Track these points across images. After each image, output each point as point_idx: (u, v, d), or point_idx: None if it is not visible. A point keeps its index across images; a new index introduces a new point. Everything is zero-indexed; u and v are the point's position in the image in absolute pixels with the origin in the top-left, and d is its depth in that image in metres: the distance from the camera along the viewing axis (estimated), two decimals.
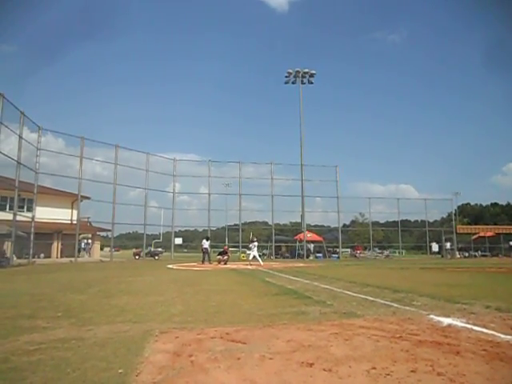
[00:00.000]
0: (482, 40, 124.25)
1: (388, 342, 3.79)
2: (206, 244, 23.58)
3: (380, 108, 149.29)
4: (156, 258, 33.91)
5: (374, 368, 3.01)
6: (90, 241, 38.94)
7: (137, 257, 34.64)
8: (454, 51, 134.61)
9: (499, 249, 44.44)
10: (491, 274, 15.01)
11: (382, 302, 6.58)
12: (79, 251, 32.92)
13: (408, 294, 7.44)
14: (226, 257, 22.94)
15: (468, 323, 4.74)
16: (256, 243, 22.35)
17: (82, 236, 35.77)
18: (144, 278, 12.56)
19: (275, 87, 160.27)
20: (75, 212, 31.33)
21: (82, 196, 30.06)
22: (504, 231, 46.71)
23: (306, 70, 38.19)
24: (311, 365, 3.10)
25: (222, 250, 24.55)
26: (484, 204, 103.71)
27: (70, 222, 32.29)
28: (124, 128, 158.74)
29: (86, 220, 35.30)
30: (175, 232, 36.88)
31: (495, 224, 65.48)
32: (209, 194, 37.15)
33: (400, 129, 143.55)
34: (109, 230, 33.39)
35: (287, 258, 38.16)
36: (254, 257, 21.86)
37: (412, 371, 2.95)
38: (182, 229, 44.77)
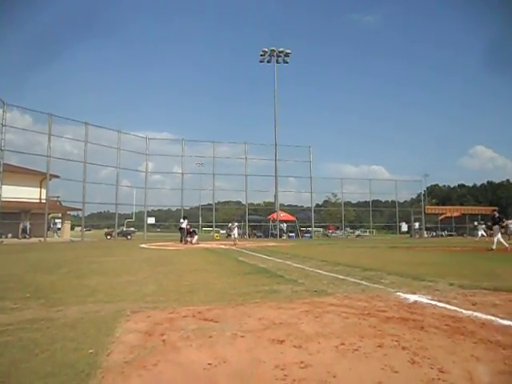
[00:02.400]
0: (456, 18, 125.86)
1: (356, 319, 3.90)
2: (183, 223, 23.44)
3: (353, 91, 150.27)
4: (128, 237, 33.54)
5: (343, 344, 3.10)
6: (59, 220, 38.11)
7: (109, 237, 34.16)
8: (427, 33, 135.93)
9: (465, 228, 46.07)
10: (456, 252, 15.59)
11: (352, 280, 6.75)
12: (48, 230, 32.17)
13: (377, 273, 7.65)
14: (195, 236, 22.84)
15: (433, 300, 4.93)
16: (236, 223, 24.53)
17: (51, 216, 34.90)
18: (116, 257, 12.44)
19: (250, 66, 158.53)
20: (44, 191, 30.49)
21: (50, 175, 29.20)
22: (469, 212, 48.41)
23: (281, 50, 37.85)
24: (282, 342, 3.17)
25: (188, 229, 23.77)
26: (452, 185, 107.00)
27: (38, 201, 31.44)
28: (95, 105, 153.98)
29: (56, 199, 34.43)
30: (148, 211, 36.57)
31: (461, 205, 67.77)
32: (182, 174, 36.83)
33: (372, 111, 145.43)
34: (79, 210, 32.77)
35: (260, 237, 38.49)
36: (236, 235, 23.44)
37: (379, 346, 3.05)
38: (155, 208, 44.41)
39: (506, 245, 15.42)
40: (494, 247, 15.21)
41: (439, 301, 4.86)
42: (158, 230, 59.90)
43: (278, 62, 38.06)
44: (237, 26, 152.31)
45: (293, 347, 3.04)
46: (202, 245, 21.35)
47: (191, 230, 23.67)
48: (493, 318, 4.00)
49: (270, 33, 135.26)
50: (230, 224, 23.81)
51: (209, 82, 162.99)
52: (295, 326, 3.63)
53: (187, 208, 38.13)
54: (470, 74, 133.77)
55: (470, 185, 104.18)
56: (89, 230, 47.28)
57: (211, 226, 39.44)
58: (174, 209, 47.44)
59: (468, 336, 3.34)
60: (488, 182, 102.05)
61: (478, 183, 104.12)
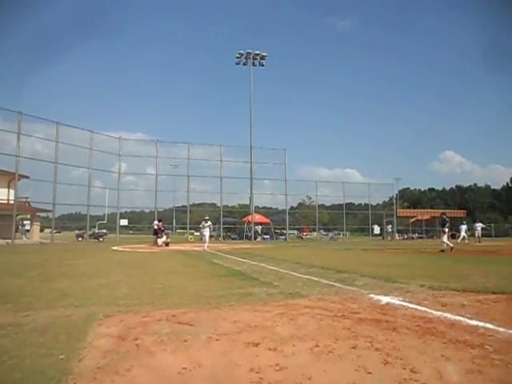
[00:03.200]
0: (428, 28, 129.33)
1: (331, 321, 3.94)
2: (157, 225, 23.17)
3: (328, 95, 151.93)
4: (100, 239, 32.91)
5: (317, 346, 3.13)
6: (28, 222, 37.00)
7: (80, 238, 33.42)
8: (399, 41, 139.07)
9: (434, 231, 47.27)
10: (426, 254, 15.98)
11: (326, 282, 6.82)
12: (17, 232, 31.18)
13: (351, 275, 7.76)
14: (164, 237, 22.55)
15: (404, 301, 5.04)
16: (210, 222, 21.39)
17: (19, 217, 33.86)
18: (87, 260, 12.17)
19: (226, 68, 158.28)
20: (12, 192, 29.54)
21: (19, 175, 28.31)
22: (439, 215, 49.66)
23: (258, 52, 38.00)
24: (257, 345, 3.17)
25: (156, 228, 22.99)
26: (422, 189, 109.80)
27: (6, 201, 30.44)
28: (67, 104, 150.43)
29: (25, 200, 33.43)
30: (121, 213, 36.00)
31: (431, 208, 69.65)
32: (156, 175, 36.42)
33: (345, 115, 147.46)
34: (49, 211, 31.89)
35: (235, 239, 38.44)
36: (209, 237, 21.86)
37: (353, 348, 3.09)
38: (128, 210, 43.78)
39: (451, 245, 16.58)
40: (445, 247, 16.44)
41: (410, 302, 4.97)
42: (131, 232, 58.98)
43: (254, 64, 38.19)
44: (213, 28, 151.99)
45: (268, 350, 3.05)
46: (176, 247, 21.15)
47: (162, 228, 23.28)
48: (461, 318, 4.12)
49: (246, 35, 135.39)
50: (202, 223, 21.14)
51: (184, 83, 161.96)
52: (270, 329, 3.64)
53: (161, 210, 37.78)
54: (440, 83, 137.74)
55: (440, 188, 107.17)
56: (59, 232, 46.14)
57: (185, 228, 39.14)
58: (147, 211, 46.76)
59: (438, 336, 3.42)
60: (456, 186, 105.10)
61: (447, 187, 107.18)
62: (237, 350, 3.04)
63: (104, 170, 35.35)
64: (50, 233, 31.99)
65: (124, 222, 37.67)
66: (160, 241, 22.14)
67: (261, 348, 3.10)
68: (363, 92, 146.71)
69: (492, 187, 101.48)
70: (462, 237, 29.22)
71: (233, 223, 42.98)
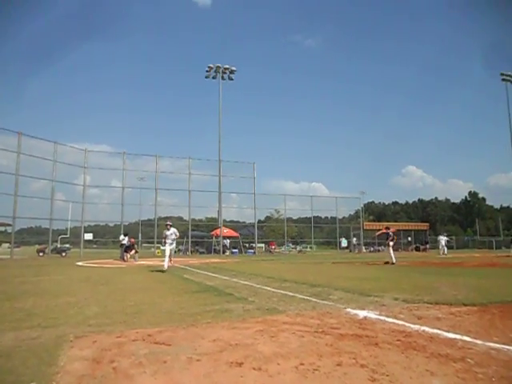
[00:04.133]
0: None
1: (312, 337, 3.89)
2: (124, 240, 22.59)
3: (294, 109, 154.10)
4: (63, 254, 31.71)
5: (302, 364, 3.07)
6: None
7: (41, 254, 32.07)
8: (365, 58, 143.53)
9: (399, 244, 48.37)
10: (394, 267, 16.26)
11: (302, 296, 6.78)
12: None
13: (324, 289, 7.76)
14: (132, 251, 22.03)
15: (381, 315, 5.06)
16: (174, 229, 14.12)
17: None
18: (51, 277, 11.65)
19: (196, 82, 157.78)
20: None
21: None
22: (403, 227, 51.07)
23: (227, 66, 38.22)
24: (240, 364, 3.07)
25: (128, 244, 22.67)
26: (386, 202, 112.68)
27: None
28: (29, 115, 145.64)
29: None
30: (84, 227, 34.86)
31: (395, 221, 71.44)
32: (123, 188, 35.64)
33: (312, 130, 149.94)
34: (9, 225, 30.49)
35: (203, 253, 37.98)
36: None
37: (338, 365, 3.05)
38: (92, 224, 42.53)
39: (394, 260, 16.98)
40: (394, 261, 16.87)
41: (387, 316, 4.99)
42: (95, 246, 57.27)
43: (223, 78, 38.34)
44: (182, 41, 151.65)
45: (252, 370, 2.96)
46: (144, 262, 20.63)
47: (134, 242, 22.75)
48: (439, 331, 4.16)
49: (215, 49, 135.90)
50: (164, 231, 14.31)
51: (151, 95, 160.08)
52: (252, 347, 3.55)
53: (126, 223, 36.88)
54: (400, 103, 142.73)
55: (403, 202, 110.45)
56: (18, 247, 44.16)
57: (151, 242, 38.37)
58: (111, 224, 45.69)
59: (420, 351, 3.43)
60: (419, 200, 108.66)
61: (410, 201, 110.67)
62: (220, 371, 2.93)
63: (68, 182, 34.27)
64: (9, 248, 30.53)
65: (89, 237, 36.50)
66: (129, 256, 21.60)
67: (245, 368, 3.00)
68: (328, 108, 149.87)
69: (452, 201, 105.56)
70: (442, 249, 29.95)
71: (201, 237, 42.49)
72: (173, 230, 13.77)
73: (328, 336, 3.94)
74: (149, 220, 39.68)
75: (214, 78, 38.61)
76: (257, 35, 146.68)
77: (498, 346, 3.61)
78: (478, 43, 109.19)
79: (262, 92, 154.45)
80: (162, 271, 12.98)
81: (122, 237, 22.98)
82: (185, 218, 39.54)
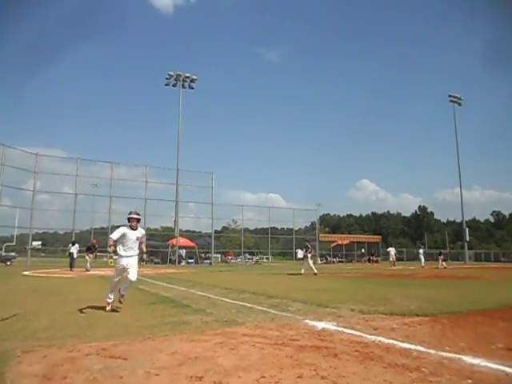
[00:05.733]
0: (336, 75, 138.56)
1: (272, 349, 3.88)
2: (72, 249, 21.72)
3: (253, 122, 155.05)
4: (8, 263, 29.95)
5: (264, 377, 3.04)
6: None
7: None
8: (322, 73, 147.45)
9: (353, 255, 49.62)
10: (349, 278, 16.63)
11: (260, 308, 6.77)
12: None
13: (282, 300, 7.79)
14: (92, 254, 21.36)
15: (339, 326, 5.13)
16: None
17: None
18: None
19: (155, 89, 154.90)
20: None
21: None
22: (357, 240, 52.46)
23: (188, 75, 38.04)
24: (201, 378, 3.01)
25: (89, 244, 22.25)
26: (341, 215, 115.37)
27: None
28: None
29: None
30: (32, 234, 33.21)
31: (349, 233, 73.27)
32: (75, 195, 34.33)
33: (269, 142, 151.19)
34: None
35: (158, 263, 37.18)
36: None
37: (299, 377, 3.05)
38: (40, 231, 40.66)
39: (315, 270, 17.69)
40: (316, 271, 17.59)
41: (345, 327, 5.07)
42: (43, 254, 54.66)
43: (183, 86, 38.10)
44: (143, 50, 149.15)
45: (213, 383, 2.90)
46: (96, 272, 19.89)
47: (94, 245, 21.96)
48: (394, 341, 4.28)
49: (177, 58, 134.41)
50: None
51: (106, 99, 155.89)
52: (212, 360, 3.49)
53: (77, 231, 35.52)
54: (357, 116, 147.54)
55: (357, 215, 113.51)
56: None
57: (104, 251, 37.13)
58: (61, 232, 43.82)
59: (378, 361, 3.50)
60: (372, 213, 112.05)
61: (364, 213, 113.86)
62: None
63: (15, 187, 32.57)
64: None
65: (37, 244, 34.79)
66: (89, 258, 20.94)
67: (205, 382, 2.94)
68: (286, 120, 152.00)
69: (403, 214, 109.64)
70: (422, 261, 30.83)
71: (156, 247, 41.58)
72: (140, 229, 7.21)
73: (288, 348, 3.94)
74: (102, 228, 38.50)
75: (174, 85, 38.32)
76: (219, 45, 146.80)
77: (449, 355, 3.75)
78: (478, 42, 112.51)
79: (223, 102, 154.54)
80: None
81: (70, 245, 22.12)
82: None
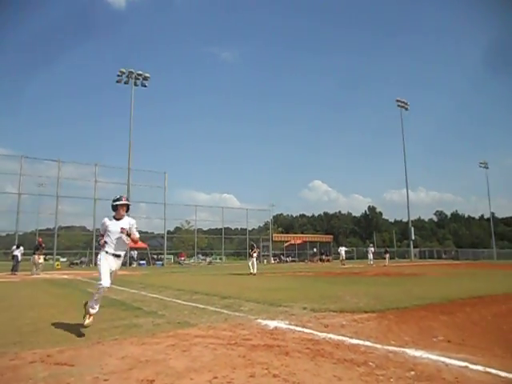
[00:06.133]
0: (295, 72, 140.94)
1: (225, 350, 3.88)
2: (16, 251, 20.63)
3: (207, 120, 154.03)
4: None
5: (216, 377, 3.04)
6: None
7: None
8: (278, 74, 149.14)
9: (305, 255, 50.51)
10: (302, 277, 16.92)
11: (213, 309, 6.75)
12: None
13: (236, 300, 7.80)
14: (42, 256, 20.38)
15: (291, 324, 5.22)
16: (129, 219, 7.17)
17: None
18: None
19: (106, 86, 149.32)
20: None
21: None
22: (309, 239, 53.48)
23: (140, 72, 37.14)
24: (151, 382, 2.96)
25: (36, 244, 20.99)
26: (294, 215, 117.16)
27: None
28: None
29: None
30: None
31: (302, 233, 74.60)
32: (19, 194, 32.58)
33: (224, 142, 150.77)
34: None
35: None
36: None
37: (251, 376, 3.08)
38: None
39: (255, 271, 18.22)
40: (254, 271, 18.14)
41: (296, 325, 5.17)
42: None
43: (136, 84, 37.17)
44: (93, 44, 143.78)
45: None
46: (42, 275, 18.99)
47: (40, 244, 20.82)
48: (344, 338, 4.41)
49: (129, 56, 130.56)
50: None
51: (55, 95, 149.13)
52: (164, 363, 3.44)
53: (21, 233, 33.73)
54: (311, 116, 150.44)
55: (310, 215, 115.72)
56: None
57: (50, 254, 35.52)
58: (3, 234, 41.40)
59: (328, 357, 3.60)
60: (324, 213, 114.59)
61: (316, 213, 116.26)
62: None
63: None
64: None
65: None
66: (39, 259, 19.90)
67: None
68: (239, 121, 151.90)
69: (353, 214, 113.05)
70: (342, 259, 31.77)
71: None
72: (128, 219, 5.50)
73: (241, 348, 3.96)
74: (48, 229, 36.78)
75: (125, 83, 37.27)
76: (173, 43, 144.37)
77: (395, 349, 3.93)
78: (479, 43, 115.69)
79: (176, 101, 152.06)
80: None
81: (13, 248, 21.00)
82: (88, 228, 37.34)
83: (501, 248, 68.15)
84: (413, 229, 48.40)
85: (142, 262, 38.82)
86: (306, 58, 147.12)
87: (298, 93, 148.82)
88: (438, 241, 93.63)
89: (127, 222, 5.38)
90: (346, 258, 35.84)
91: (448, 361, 3.49)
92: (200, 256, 49.79)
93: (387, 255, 32.42)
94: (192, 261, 45.49)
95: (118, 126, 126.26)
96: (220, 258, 51.09)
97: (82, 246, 39.99)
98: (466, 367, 3.32)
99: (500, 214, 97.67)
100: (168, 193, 41.37)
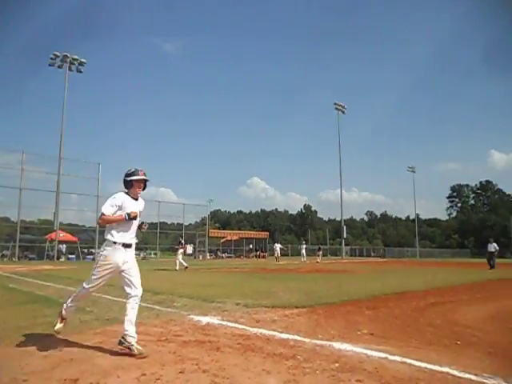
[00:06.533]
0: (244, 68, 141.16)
1: (155, 346, 3.83)
2: None
3: (143, 110, 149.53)
4: None
5: (144, 374, 3.00)
6: None
7: None
8: (225, 68, 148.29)
9: (241, 251, 50.91)
10: (237, 273, 17.04)
11: (145, 305, 6.58)
12: None
13: (169, 296, 7.70)
14: None
15: (223, 320, 5.26)
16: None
17: None
18: None
19: (37, 68, 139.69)
20: None
21: None
22: (246, 235, 53.94)
23: (76, 57, 35.22)
24: (75, 381, 2.86)
25: None
26: (231, 211, 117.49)
27: None
28: None
29: None
30: None
31: (239, 229, 75.00)
32: None
33: (163, 134, 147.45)
34: None
35: (33, 259, 34.01)
36: None
37: (180, 372, 3.07)
38: None
39: (177, 267, 18.11)
40: (177, 268, 17.99)
41: (229, 321, 5.21)
42: None
43: (70, 69, 35.21)
44: (25, 25, 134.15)
45: None
46: None
47: None
48: (274, 332, 4.52)
49: (64, 37, 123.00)
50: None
51: None
52: (90, 361, 3.33)
53: None
54: (248, 115, 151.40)
55: (247, 211, 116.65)
56: None
57: None
58: None
59: (258, 352, 3.67)
60: (261, 210, 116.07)
61: (253, 210, 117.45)
62: None
63: None
64: None
65: None
66: None
67: None
68: (178, 112, 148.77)
69: (289, 212, 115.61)
70: (277, 255, 32.44)
71: (31, 241, 37.95)
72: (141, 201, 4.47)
73: (171, 344, 3.93)
74: None
75: (59, 67, 35.17)
76: (112, 30, 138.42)
77: (322, 342, 4.10)
78: (480, 40, 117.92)
79: (114, 88, 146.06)
80: None
81: None
82: (12, 219, 34.91)
83: (423, 247, 73.31)
84: (345, 227, 50.39)
85: (71, 256, 37.02)
86: (249, 50, 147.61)
87: (236, 88, 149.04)
88: (367, 239, 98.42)
89: (143, 203, 4.36)
90: (281, 255, 36.63)
91: (370, 352, 3.70)
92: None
93: (320, 252, 33.54)
94: None
95: (49, 113, 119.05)
96: (155, 253, 50.04)
97: (4, 238, 37.29)
98: (386, 358, 3.54)
99: (424, 216, 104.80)
100: (102, 185, 39.84)
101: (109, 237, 4.00)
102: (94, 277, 4.06)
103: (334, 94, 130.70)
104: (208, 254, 46.61)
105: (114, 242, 3.97)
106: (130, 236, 4.13)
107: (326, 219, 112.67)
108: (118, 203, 3.98)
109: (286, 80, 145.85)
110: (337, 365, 3.32)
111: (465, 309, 6.74)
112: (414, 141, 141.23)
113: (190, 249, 47.23)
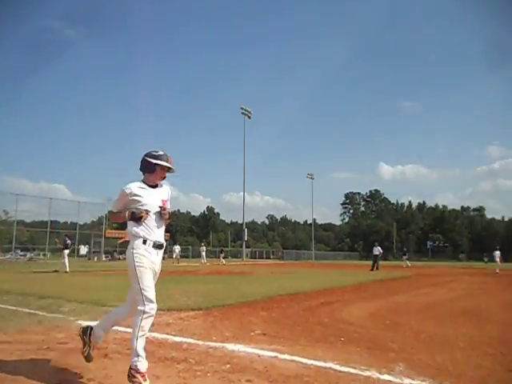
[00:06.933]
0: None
1: (34, 356, 3.52)
2: None
3: (55, 103, 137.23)
4: None
5: None
6: None
7: None
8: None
9: None
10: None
11: (26, 310, 6.06)
12: None
13: (56, 300, 7.15)
14: None
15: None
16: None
17: None
18: None
19: None
20: None
21: None
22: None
23: None
24: None
25: None
26: None
27: None
28: None
29: None
30: None
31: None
32: None
33: (54, 128, 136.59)
34: None
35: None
36: None
37: (60, 383, 2.85)
38: None
39: (60, 268, 17.56)
40: (68, 270, 17.24)
41: (120, 325, 4.96)
42: None
43: None
44: None
45: None
46: None
47: None
48: (167, 336, 4.44)
49: None
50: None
51: None
52: None
53: None
54: (151, 114, 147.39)
55: None
56: None
57: None
58: None
59: (149, 357, 3.54)
60: None
61: None
62: None
63: None
64: None
65: None
66: None
67: None
68: (75, 102, 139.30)
69: (192, 214, 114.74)
70: (204, 258, 32.64)
71: None
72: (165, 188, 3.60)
73: (53, 352, 3.65)
74: None
75: None
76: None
77: (215, 344, 4.12)
78: (481, 41, 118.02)
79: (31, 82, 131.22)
80: None
81: None
82: None
83: (318, 250, 77.88)
84: (246, 230, 51.43)
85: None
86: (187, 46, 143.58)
87: (141, 78, 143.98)
88: (268, 242, 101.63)
89: (166, 191, 3.51)
90: (182, 257, 36.16)
91: (261, 352, 3.81)
92: (19, 251, 44.12)
93: (222, 254, 33.80)
94: (8, 256, 40.01)
95: None
96: (44, 254, 46.14)
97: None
98: (276, 357, 3.68)
99: (320, 221, 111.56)
100: None
101: (134, 232, 3.30)
102: (141, 281, 3.33)
103: (243, 99, 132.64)
104: (104, 256, 44.26)
105: (144, 241, 3.29)
106: (159, 234, 3.46)
107: (229, 221, 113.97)
108: (130, 194, 3.22)
109: (197, 74, 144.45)
110: (228, 366, 3.36)
111: (350, 307, 7.28)
112: (314, 150, 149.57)
113: (84, 249, 44.48)
